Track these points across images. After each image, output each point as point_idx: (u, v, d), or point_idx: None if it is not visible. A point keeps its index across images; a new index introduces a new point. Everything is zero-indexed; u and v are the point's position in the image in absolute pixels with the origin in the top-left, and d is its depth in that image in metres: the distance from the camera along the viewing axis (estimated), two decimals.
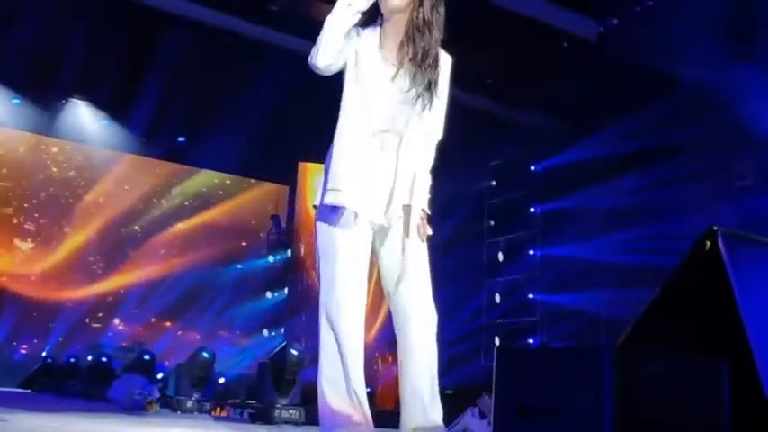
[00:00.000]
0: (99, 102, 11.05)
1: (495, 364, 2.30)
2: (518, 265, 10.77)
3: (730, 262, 2.43)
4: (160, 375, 9.01)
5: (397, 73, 2.63)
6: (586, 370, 2.02)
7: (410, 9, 2.64)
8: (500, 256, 11.03)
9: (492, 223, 11.25)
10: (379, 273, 2.71)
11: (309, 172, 12.62)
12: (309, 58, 2.62)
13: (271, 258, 12.91)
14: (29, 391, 9.74)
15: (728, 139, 8.44)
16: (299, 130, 10.75)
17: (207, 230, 13.05)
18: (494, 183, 11.40)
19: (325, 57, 2.60)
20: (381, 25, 2.69)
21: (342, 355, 2.52)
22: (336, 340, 2.53)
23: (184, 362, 8.54)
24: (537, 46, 8.59)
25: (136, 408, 6.99)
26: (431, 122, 2.70)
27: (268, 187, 13.48)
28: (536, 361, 2.29)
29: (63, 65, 9.52)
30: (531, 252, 10.67)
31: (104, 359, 9.39)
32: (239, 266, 12.74)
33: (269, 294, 12.69)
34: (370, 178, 2.61)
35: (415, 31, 2.62)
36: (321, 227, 2.63)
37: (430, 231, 2.69)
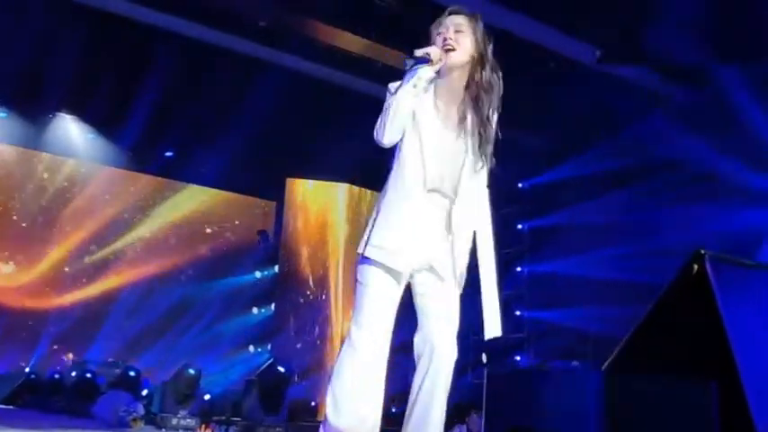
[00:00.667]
0: (87, 116, 11.00)
1: (485, 385, 2.30)
2: (506, 281, 10.78)
3: (717, 285, 2.45)
4: (145, 392, 8.94)
5: (458, 135, 2.65)
6: (576, 392, 2.03)
7: (468, 68, 2.67)
8: None
9: None
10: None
11: (297, 188, 12.62)
12: (375, 134, 2.61)
13: (258, 274, 12.86)
14: (11, 407, 9.63)
15: (714, 157, 8.52)
16: (287, 146, 10.75)
17: (193, 245, 12.99)
18: None
19: (392, 136, 2.60)
20: (436, 84, 2.68)
21: (355, 377, 2.55)
22: (353, 363, 2.55)
23: (170, 378, 8.48)
24: (525, 66, 8.64)
25: (120, 425, 6.93)
26: (482, 179, 2.74)
27: (255, 202, 13.45)
28: (526, 383, 2.29)
29: (51, 79, 9.48)
30: (519, 269, 10.70)
31: (89, 375, 9.30)
32: (226, 282, 12.69)
33: (255, 310, 12.63)
34: (421, 233, 2.63)
35: (479, 93, 2.66)
36: (361, 270, 2.64)
37: None
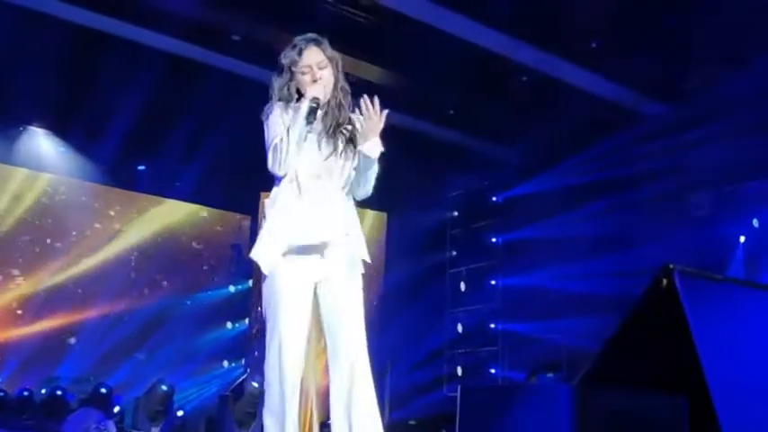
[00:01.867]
0: (58, 129, 10.87)
1: (458, 401, 2.31)
2: (480, 294, 10.84)
3: (686, 299, 2.47)
4: (117, 409, 8.81)
5: (318, 143, 2.90)
6: (548, 408, 2.04)
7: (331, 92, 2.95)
8: (462, 286, 11.08)
9: (454, 253, 11.32)
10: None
11: None
12: (272, 168, 2.90)
13: (232, 288, 12.78)
14: None
15: (686, 169, 8.66)
16: (262, 159, 10.69)
17: (167, 259, 12.87)
18: (455, 213, 11.49)
19: (287, 169, 2.86)
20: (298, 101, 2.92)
21: (282, 392, 2.75)
22: (279, 380, 2.77)
23: (142, 395, 8.39)
24: (498, 79, 8.73)
25: None
26: (356, 178, 2.95)
27: (230, 216, 13.38)
28: (499, 399, 2.30)
29: (20, 92, 9.37)
30: (493, 282, 10.75)
31: (59, 392, 9.15)
32: (200, 296, 12.59)
33: (229, 325, 12.53)
34: (307, 233, 2.81)
35: (334, 110, 2.94)
36: (268, 286, 2.88)
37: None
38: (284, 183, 2.90)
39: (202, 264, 13.02)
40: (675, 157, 8.55)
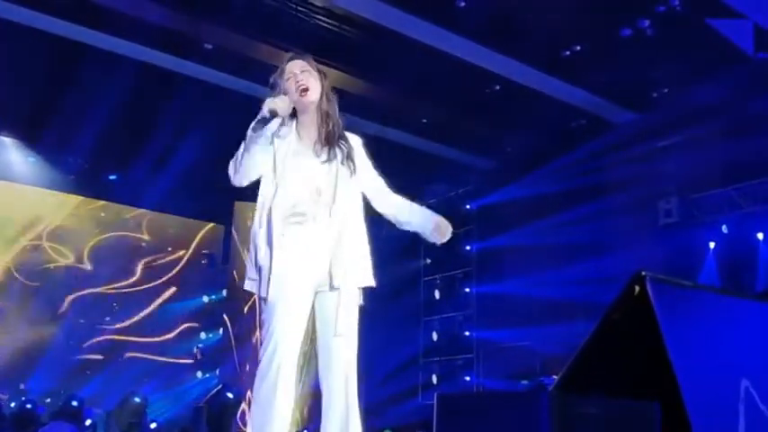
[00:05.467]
0: (27, 139, 10.74)
1: (434, 410, 2.32)
2: (454, 302, 10.87)
3: (659, 306, 2.51)
4: (89, 422, 8.69)
5: (314, 151, 2.91)
6: (525, 415, 2.06)
7: (319, 99, 2.97)
8: (437, 294, 11.11)
9: (428, 261, 11.35)
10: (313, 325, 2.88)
11: (246, 211, 12.51)
12: (231, 175, 2.91)
13: (205, 298, 12.70)
14: None
15: (656, 177, 8.78)
16: None
17: (140, 269, 12.76)
18: None
19: (242, 179, 2.92)
20: (297, 119, 2.95)
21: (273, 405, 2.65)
22: (268, 391, 2.66)
23: (114, 407, 8.29)
24: (471, 88, 8.79)
25: None
26: (373, 188, 3.03)
27: (204, 226, 13.30)
28: (475, 407, 2.31)
29: None
30: (467, 290, 10.78)
31: (29, 406, 9.00)
32: (173, 306, 12.48)
33: (203, 335, 12.45)
34: (308, 250, 2.81)
35: (325, 117, 2.95)
36: (269, 297, 2.80)
37: None
38: (278, 198, 2.84)
39: (176, 273, 12.92)
40: (645, 164, 8.66)
